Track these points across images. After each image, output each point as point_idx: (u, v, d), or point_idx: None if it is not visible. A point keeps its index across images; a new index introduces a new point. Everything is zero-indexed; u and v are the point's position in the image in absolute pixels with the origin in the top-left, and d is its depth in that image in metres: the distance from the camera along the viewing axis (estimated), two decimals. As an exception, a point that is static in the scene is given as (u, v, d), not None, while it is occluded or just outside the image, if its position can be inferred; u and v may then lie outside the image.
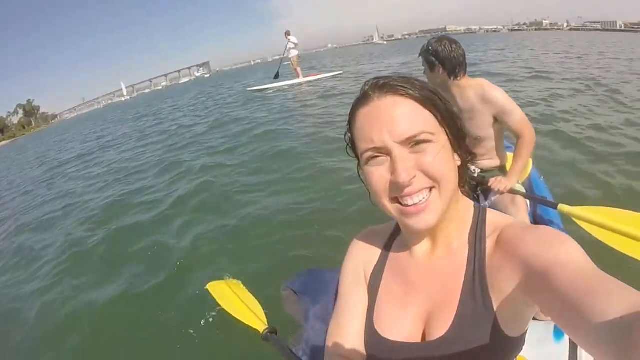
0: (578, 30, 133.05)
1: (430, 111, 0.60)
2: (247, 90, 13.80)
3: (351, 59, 25.38)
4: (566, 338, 1.26)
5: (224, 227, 3.31)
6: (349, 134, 0.66)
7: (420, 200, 0.58)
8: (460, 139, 0.65)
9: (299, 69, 12.87)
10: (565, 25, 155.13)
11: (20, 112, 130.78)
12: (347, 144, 0.67)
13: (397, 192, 0.59)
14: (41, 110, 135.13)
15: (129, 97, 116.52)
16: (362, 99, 0.62)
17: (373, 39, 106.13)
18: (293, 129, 6.15)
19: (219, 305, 1.50)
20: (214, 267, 2.66)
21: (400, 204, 0.60)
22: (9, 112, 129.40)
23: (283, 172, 4.36)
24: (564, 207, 1.60)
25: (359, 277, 0.75)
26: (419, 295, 0.67)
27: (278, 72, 13.22)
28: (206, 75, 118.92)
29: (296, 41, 12.67)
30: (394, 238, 0.77)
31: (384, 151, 0.58)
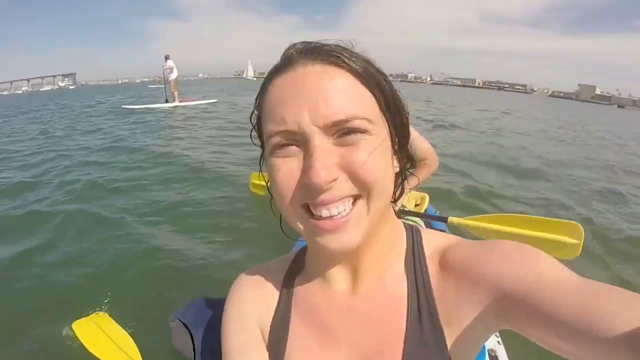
0: (440, 84, 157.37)
1: (372, 93, 0.44)
2: (121, 107, 13.52)
3: (224, 90, 26.35)
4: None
5: (86, 248, 2.82)
6: (256, 112, 0.50)
7: (340, 213, 0.43)
8: (404, 138, 0.50)
9: (175, 93, 13.25)
10: (429, 79, 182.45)
11: None
12: (253, 127, 0.51)
13: (309, 197, 0.43)
14: None
15: None
16: (281, 65, 0.46)
17: (244, 74, 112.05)
18: (177, 149, 6.26)
19: (85, 349, 1.23)
20: (79, 300, 2.13)
21: (313, 214, 0.44)
22: None
23: (156, 185, 4.28)
24: (453, 219, 1.84)
25: (253, 337, 0.56)
26: (341, 348, 0.51)
27: (166, 97, 13.18)
28: (71, 87, 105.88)
29: (172, 65, 13.12)
30: (296, 273, 0.59)
31: (299, 138, 0.42)
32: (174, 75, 13.09)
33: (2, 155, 6.14)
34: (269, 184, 0.47)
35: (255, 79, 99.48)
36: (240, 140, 6.64)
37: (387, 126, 0.46)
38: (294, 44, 0.47)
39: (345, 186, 0.42)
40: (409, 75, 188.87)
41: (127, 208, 3.60)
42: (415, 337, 0.47)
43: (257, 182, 3.19)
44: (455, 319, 0.46)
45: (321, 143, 0.41)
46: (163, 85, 13.80)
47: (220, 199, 3.79)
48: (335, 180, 0.41)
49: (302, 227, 0.46)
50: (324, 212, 0.42)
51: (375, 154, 0.42)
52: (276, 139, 0.43)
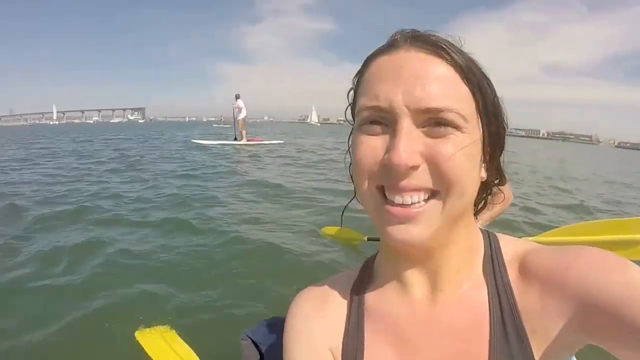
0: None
1: (472, 92, 0.43)
2: (191, 142, 14.04)
3: (289, 133, 26.90)
4: None
5: (161, 266, 2.83)
6: (353, 89, 0.49)
7: (413, 203, 0.41)
8: (497, 148, 0.48)
9: (244, 132, 13.48)
10: None
11: None
12: (349, 104, 0.50)
13: (386, 179, 0.42)
14: None
15: (57, 122, 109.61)
16: (385, 47, 0.45)
17: (308, 119, 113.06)
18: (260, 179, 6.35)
19: (149, 358, 1.31)
20: (145, 312, 2.12)
21: (386, 200, 0.43)
22: None
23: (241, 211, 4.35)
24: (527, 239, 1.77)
25: (318, 353, 0.51)
26: None
27: (235, 135, 13.50)
28: (140, 121, 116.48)
29: (242, 105, 13.46)
30: (365, 282, 0.55)
31: (388, 117, 0.41)
32: (242, 115, 13.38)
33: (93, 173, 6.84)
34: (350, 164, 0.46)
35: (319, 124, 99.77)
36: (309, 176, 6.66)
37: (481, 130, 0.44)
38: (402, 29, 0.46)
39: (425, 177, 0.41)
40: None
41: (205, 226, 3.69)
42: (503, 351, 0.43)
43: (329, 233, 3.12)
44: (541, 330, 0.43)
45: (409, 127, 0.40)
46: (227, 125, 14.19)
47: (292, 222, 3.88)
48: (415, 167, 0.40)
49: (374, 211, 0.44)
50: (397, 199, 0.41)
51: (462, 153, 0.41)
52: (365, 114, 0.43)
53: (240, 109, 13.33)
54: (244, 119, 13.49)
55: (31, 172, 6.85)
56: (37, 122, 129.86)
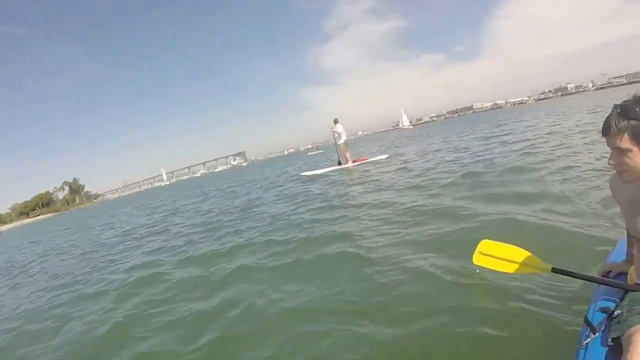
0: (604, 88, 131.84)
1: None
2: (299, 174, 14.71)
3: (386, 144, 26.66)
4: None
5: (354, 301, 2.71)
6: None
7: None
8: None
9: (347, 155, 13.63)
10: (591, 85, 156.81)
11: (66, 188, 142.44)
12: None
13: None
14: (85, 189, 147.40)
15: (168, 183, 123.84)
16: None
17: (400, 124, 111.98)
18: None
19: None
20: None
21: None
22: (55, 187, 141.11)
23: None
24: None
25: None
26: None
27: (339, 159, 13.84)
28: (243, 164, 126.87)
29: (341, 130, 13.66)
30: None
31: None
32: (342, 139, 13.56)
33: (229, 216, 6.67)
34: None
35: (411, 127, 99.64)
36: (427, 191, 5.93)
37: None
38: None
39: None
40: (569, 86, 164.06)
41: (369, 255, 3.53)
42: None
43: (486, 252, 2.23)
44: None
45: None
46: (320, 150, 14.46)
47: (448, 242, 3.45)
48: None
49: None
50: None
51: None
52: None
53: (339, 134, 13.59)
54: (345, 142, 13.69)
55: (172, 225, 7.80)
56: (150, 185, 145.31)
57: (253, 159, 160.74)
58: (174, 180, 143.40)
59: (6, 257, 13.36)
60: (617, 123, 1.21)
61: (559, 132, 10.87)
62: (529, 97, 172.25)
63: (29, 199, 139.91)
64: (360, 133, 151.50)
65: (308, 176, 13.10)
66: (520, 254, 2.06)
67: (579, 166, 5.50)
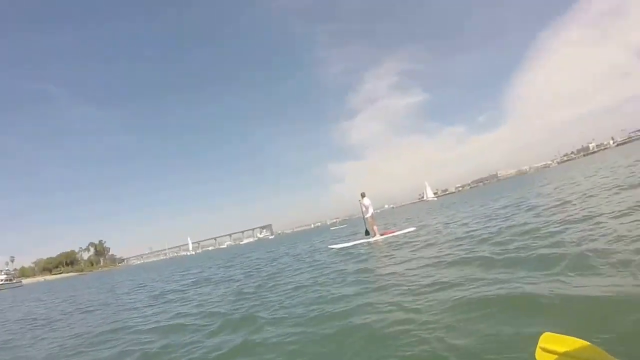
0: (625, 143, 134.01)
1: None
2: (327, 247, 14.84)
3: (412, 217, 26.62)
4: None
5: None
6: None
7: None
8: None
9: (375, 227, 13.81)
10: (612, 142, 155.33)
11: (92, 249, 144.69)
12: None
13: None
14: (110, 252, 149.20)
15: (194, 252, 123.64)
16: None
17: (425, 196, 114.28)
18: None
19: None
20: None
21: None
22: (81, 247, 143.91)
23: None
24: None
25: None
26: None
27: (366, 230, 14.20)
28: (270, 237, 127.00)
29: (368, 203, 14.01)
30: None
31: None
32: (370, 212, 13.86)
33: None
34: None
35: (436, 198, 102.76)
36: (458, 267, 5.53)
37: None
38: None
39: None
40: (590, 145, 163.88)
41: None
42: None
43: (551, 349, 1.82)
44: None
45: None
46: (343, 225, 14.72)
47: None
48: None
49: None
50: None
51: None
52: None
53: (367, 207, 13.93)
54: (372, 215, 13.95)
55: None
56: (175, 254, 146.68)
57: (280, 231, 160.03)
58: (199, 250, 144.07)
59: (29, 309, 13.65)
60: None
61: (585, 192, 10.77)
62: (552, 160, 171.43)
63: (53, 255, 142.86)
64: (386, 206, 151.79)
65: (337, 249, 13.19)
66: (592, 350, 1.70)
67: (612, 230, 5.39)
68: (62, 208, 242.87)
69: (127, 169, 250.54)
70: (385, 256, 8.94)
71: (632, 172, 14.29)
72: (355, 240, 14.30)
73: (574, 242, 5.36)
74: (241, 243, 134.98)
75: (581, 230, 6.09)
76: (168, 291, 11.46)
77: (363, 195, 14.12)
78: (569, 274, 3.96)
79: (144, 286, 16.03)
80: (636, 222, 5.62)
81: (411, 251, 8.66)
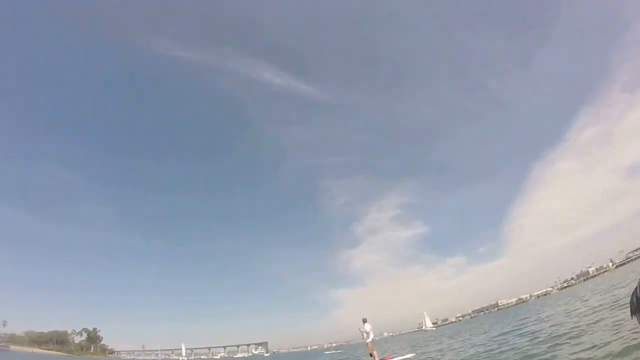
0: (623, 264, 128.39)
1: None
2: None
3: (410, 345, 26.89)
4: None
5: None
6: None
7: None
8: None
9: (375, 353, 14.73)
10: (611, 264, 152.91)
11: (84, 335, 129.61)
12: None
13: None
14: (102, 341, 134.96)
15: (186, 359, 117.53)
16: None
17: (423, 326, 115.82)
18: None
19: None
20: None
21: None
22: (74, 330, 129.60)
23: None
24: None
25: None
26: None
27: (370, 353, 14.90)
28: (266, 354, 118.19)
29: (369, 328, 15.15)
30: None
31: None
32: (370, 337, 14.93)
33: None
34: None
35: (434, 328, 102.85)
36: None
37: None
38: None
39: None
40: (589, 270, 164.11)
41: None
42: None
43: None
44: None
45: None
46: (339, 350, 15.38)
47: None
48: None
49: None
50: None
51: None
52: None
53: (367, 333, 15.03)
54: (372, 341, 14.96)
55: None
56: (167, 357, 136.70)
57: (275, 350, 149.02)
58: (192, 357, 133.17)
59: None
60: None
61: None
62: (552, 287, 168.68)
63: (45, 331, 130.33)
64: (385, 334, 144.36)
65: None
66: None
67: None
68: (59, 286, 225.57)
69: (128, 265, 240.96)
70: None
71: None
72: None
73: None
74: (235, 357, 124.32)
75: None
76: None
77: (365, 321, 15.27)
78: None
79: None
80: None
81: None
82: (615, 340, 7.15)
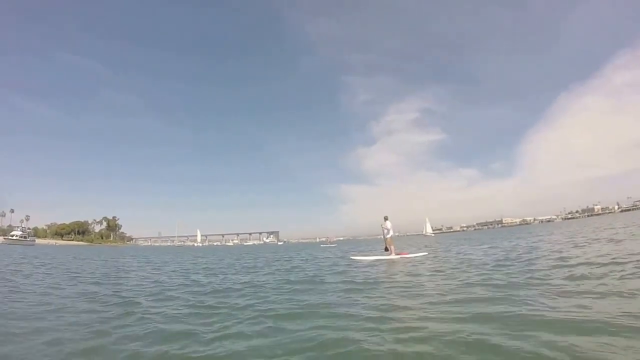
0: (629, 210, 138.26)
1: None
2: (349, 257, 17.49)
3: (416, 245, 29.38)
4: None
5: None
6: None
7: None
8: None
9: (392, 247, 16.40)
10: (617, 207, 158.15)
11: (104, 224, 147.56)
12: None
13: None
14: (121, 230, 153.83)
15: (201, 244, 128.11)
16: None
17: (424, 231, 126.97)
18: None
19: None
20: None
21: None
22: (94, 219, 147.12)
23: None
24: None
25: None
26: None
27: (386, 247, 16.64)
28: (279, 243, 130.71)
29: (390, 226, 16.60)
30: None
31: None
32: (390, 234, 16.44)
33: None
34: None
35: (433, 235, 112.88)
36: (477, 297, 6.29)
37: None
38: None
39: None
40: (595, 207, 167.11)
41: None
42: None
43: None
44: None
45: None
46: (333, 245, 16.85)
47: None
48: None
49: None
50: None
51: None
52: None
53: (388, 229, 16.53)
54: (391, 237, 16.56)
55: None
56: (182, 243, 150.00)
57: (285, 240, 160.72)
58: (206, 243, 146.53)
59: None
60: None
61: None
62: (557, 215, 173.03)
63: (67, 222, 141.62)
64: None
65: (356, 259, 15.82)
66: None
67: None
68: (79, 178, 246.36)
69: (150, 152, 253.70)
70: (399, 272, 11.45)
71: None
72: (376, 256, 16.89)
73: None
74: (245, 244, 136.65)
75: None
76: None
77: (386, 219, 16.59)
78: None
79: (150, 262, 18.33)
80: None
81: (422, 271, 10.46)
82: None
